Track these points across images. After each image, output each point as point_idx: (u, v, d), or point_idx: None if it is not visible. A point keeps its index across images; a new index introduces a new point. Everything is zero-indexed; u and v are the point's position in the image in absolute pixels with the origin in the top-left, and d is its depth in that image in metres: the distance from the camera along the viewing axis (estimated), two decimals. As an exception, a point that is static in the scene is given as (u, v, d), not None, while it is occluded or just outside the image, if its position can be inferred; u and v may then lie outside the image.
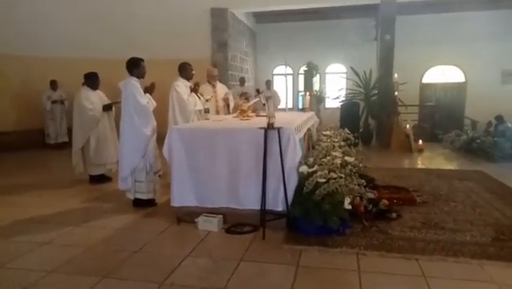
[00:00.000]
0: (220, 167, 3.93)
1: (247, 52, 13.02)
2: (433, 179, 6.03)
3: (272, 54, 13.64)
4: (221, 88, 6.23)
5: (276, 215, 3.75)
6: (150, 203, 4.63)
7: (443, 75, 13.34)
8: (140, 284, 2.81)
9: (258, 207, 3.74)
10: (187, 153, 4.00)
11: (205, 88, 5.88)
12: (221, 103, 6.07)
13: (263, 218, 3.64)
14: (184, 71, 5.40)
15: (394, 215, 4.05)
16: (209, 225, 3.83)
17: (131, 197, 4.61)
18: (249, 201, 3.84)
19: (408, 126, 9.48)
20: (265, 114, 4.51)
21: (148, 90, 4.66)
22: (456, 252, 3.21)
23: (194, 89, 5.34)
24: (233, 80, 11.08)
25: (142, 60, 4.61)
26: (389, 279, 2.85)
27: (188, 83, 5.37)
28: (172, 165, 4.04)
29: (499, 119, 11.24)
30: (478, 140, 9.10)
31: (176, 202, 4.03)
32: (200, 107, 5.34)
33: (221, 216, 3.90)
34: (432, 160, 8.14)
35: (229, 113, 6.04)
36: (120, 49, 8.41)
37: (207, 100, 5.47)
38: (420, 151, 8.96)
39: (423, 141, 9.27)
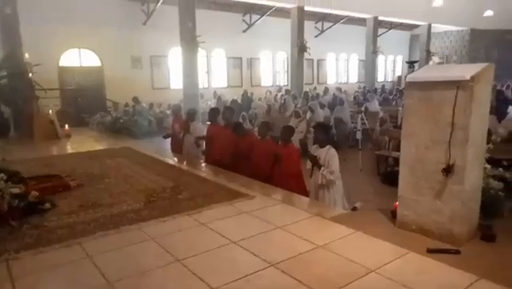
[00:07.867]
0: None
1: None
2: (86, 161, 5.99)
3: None
4: None
5: None
6: None
7: (80, 58, 13.27)
8: None
9: None
10: None
11: None
12: None
13: None
14: None
15: (48, 205, 3.72)
16: None
17: None
18: None
19: (51, 111, 8.84)
20: None
21: None
22: (116, 224, 3.33)
23: None
24: None
25: None
26: (51, 275, 2.55)
27: None
28: None
29: (135, 100, 12.63)
30: (121, 120, 9.90)
31: None
32: None
33: None
34: (81, 143, 8.04)
35: None
36: None
37: None
38: (68, 136, 8.72)
39: (69, 126, 9.02)
